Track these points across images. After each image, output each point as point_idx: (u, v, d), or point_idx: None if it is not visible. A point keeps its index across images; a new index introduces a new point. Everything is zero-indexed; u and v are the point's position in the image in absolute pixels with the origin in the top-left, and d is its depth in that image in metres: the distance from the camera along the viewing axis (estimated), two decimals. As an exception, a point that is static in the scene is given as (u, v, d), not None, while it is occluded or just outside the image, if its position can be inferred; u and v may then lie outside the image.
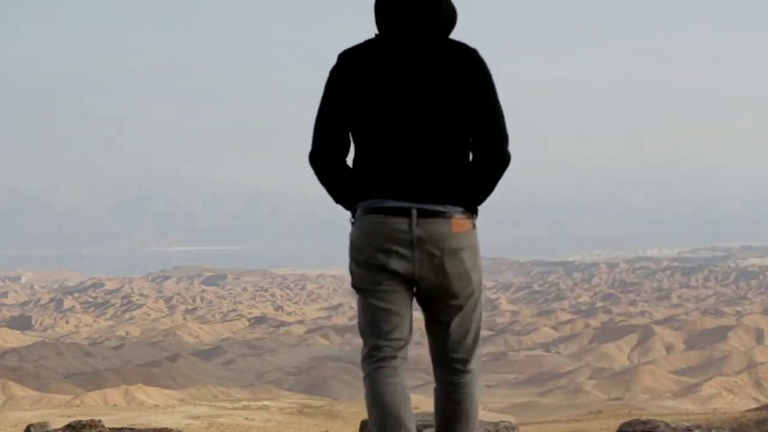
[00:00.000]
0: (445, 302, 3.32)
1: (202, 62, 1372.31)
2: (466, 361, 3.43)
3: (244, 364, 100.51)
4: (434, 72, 3.24)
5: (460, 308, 3.34)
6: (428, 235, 3.23)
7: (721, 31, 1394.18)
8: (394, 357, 3.31)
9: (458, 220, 3.30)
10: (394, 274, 3.27)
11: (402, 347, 3.33)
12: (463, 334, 3.39)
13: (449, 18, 3.32)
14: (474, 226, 3.39)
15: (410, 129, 3.23)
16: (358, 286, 3.35)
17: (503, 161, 3.33)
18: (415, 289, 3.33)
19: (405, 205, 3.23)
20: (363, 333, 3.37)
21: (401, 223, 3.23)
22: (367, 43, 3.34)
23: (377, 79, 3.25)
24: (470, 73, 3.26)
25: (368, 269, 3.29)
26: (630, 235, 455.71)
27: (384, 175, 3.25)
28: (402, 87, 3.24)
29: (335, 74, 3.30)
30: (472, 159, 3.31)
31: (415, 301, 3.39)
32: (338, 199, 3.40)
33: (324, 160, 3.32)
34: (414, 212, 3.23)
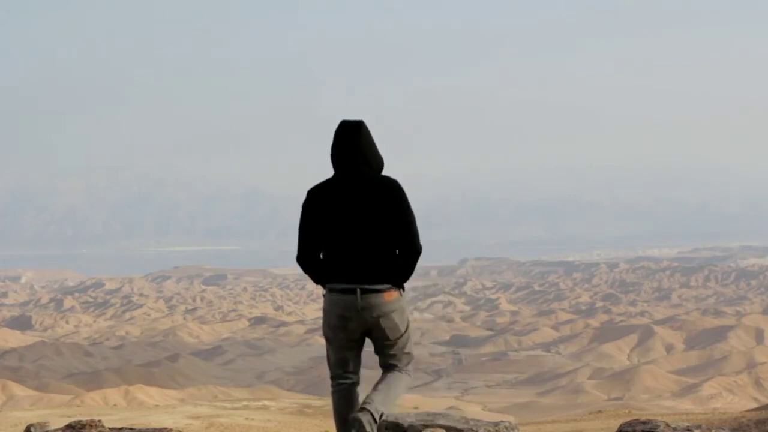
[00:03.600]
0: (383, 342, 5.49)
1: (203, 63, 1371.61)
2: (398, 366, 5.54)
3: (244, 364, 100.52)
4: (369, 199, 5.36)
5: (394, 344, 5.50)
6: (368, 305, 5.36)
7: (721, 32, 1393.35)
8: (347, 380, 5.56)
9: (388, 292, 5.38)
10: (350, 331, 5.43)
11: (353, 372, 5.57)
12: (398, 356, 5.54)
13: (378, 164, 5.51)
14: (401, 294, 5.45)
15: (354, 236, 5.36)
16: (325, 335, 5.55)
17: (415, 253, 5.38)
18: (364, 336, 5.51)
19: (353, 286, 5.36)
20: (329, 365, 5.64)
21: (352, 298, 5.36)
22: (326, 181, 5.50)
23: (333, 206, 5.40)
24: (392, 200, 5.35)
25: (333, 328, 5.47)
26: (630, 235, 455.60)
27: (340, 266, 5.39)
28: (349, 210, 5.37)
29: (307, 205, 5.49)
30: (397, 253, 5.40)
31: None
32: (316, 282, 5.55)
33: (306, 259, 5.52)
34: (358, 290, 5.35)
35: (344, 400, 5.53)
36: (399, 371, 5.55)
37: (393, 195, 5.37)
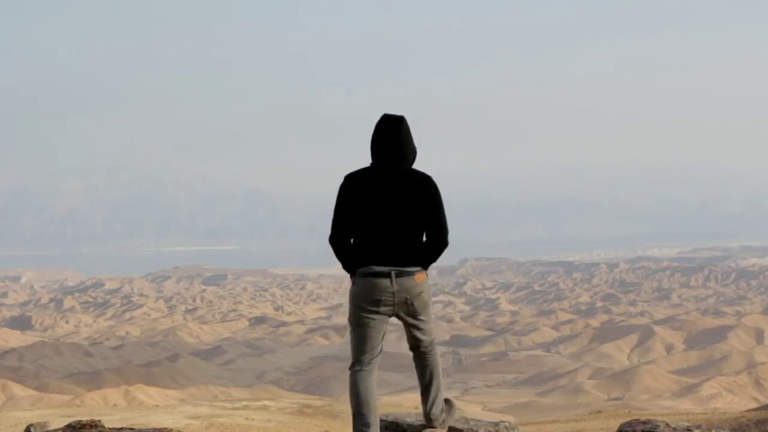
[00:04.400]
0: (415, 321, 5.84)
1: (203, 63, 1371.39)
2: (429, 340, 5.96)
3: (244, 364, 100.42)
4: (403, 190, 5.68)
5: (422, 321, 5.86)
6: (402, 288, 5.70)
7: (721, 32, 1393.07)
8: (370, 363, 5.76)
9: (419, 275, 5.74)
10: (380, 314, 5.72)
11: (376, 356, 5.78)
12: (425, 329, 5.90)
13: (412, 156, 5.82)
14: (427, 275, 5.81)
15: (389, 224, 5.67)
16: (353, 321, 5.77)
17: (444, 244, 5.75)
18: (393, 318, 5.79)
19: (387, 269, 5.68)
20: (353, 349, 5.80)
21: (385, 281, 5.67)
22: (364, 170, 5.78)
23: (369, 194, 5.68)
24: (425, 193, 5.69)
25: (362, 311, 5.73)
26: (630, 235, 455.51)
27: (373, 251, 5.69)
28: (383, 199, 5.67)
29: (343, 189, 5.74)
30: (426, 241, 5.76)
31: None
32: (346, 267, 5.80)
33: (339, 242, 5.76)
34: (393, 273, 5.68)
35: (361, 386, 5.69)
36: (433, 352, 6.00)
37: (428, 190, 5.70)
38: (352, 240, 5.79)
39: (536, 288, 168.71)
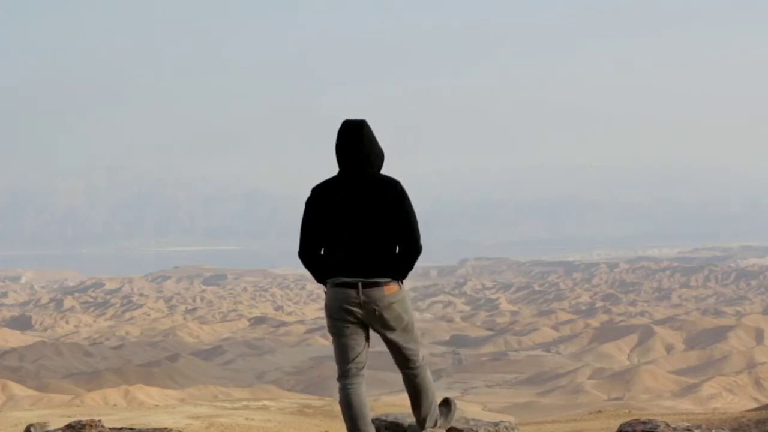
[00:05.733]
0: (390, 332, 5.65)
1: (203, 63, 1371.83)
2: (414, 360, 5.77)
3: (244, 364, 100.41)
4: (369, 197, 5.51)
5: (402, 333, 5.67)
6: (369, 298, 5.53)
7: (721, 32, 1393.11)
8: (357, 375, 5.66)
9: (388, 286, 5.54)
10: (353, 323, 5.58)
11: (362, 368, 5.67)
12: (407, 347, 5.71)
13: (379, 161, 5.64)
14: (400, 287, 5.60)
15: (357, 234, 5.51)
16: (331, 332, 5.67)
17: (416, 252, 5.55)
18: (368, 329, 5.67)
19: (354, 280, 5.52)
20: (336, 360, 5.68)
21: (353, 292, 5.52)
22: (330, 180, 5.64)
23: (335, 203, 5.54)
24: (394, 199, 5.50)
25: (336, 321, 5.61)
26: (630, 235, 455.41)
27: (342, 261, 5.54)
28: (351, 208, 5.51)
29: (310, 202, 5.63)
30: (398, 250, 5.56)
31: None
32: (317, 279, 5.69)
33: (307, 255, 5.67)
34: (359, 284, 5.51)
35: (354, 399, 5.62)
36: (421, 371, 5.81)
37: (395, 195, 5.50)
38: (323, 250, 5.66)
39: (536, 288, 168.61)
